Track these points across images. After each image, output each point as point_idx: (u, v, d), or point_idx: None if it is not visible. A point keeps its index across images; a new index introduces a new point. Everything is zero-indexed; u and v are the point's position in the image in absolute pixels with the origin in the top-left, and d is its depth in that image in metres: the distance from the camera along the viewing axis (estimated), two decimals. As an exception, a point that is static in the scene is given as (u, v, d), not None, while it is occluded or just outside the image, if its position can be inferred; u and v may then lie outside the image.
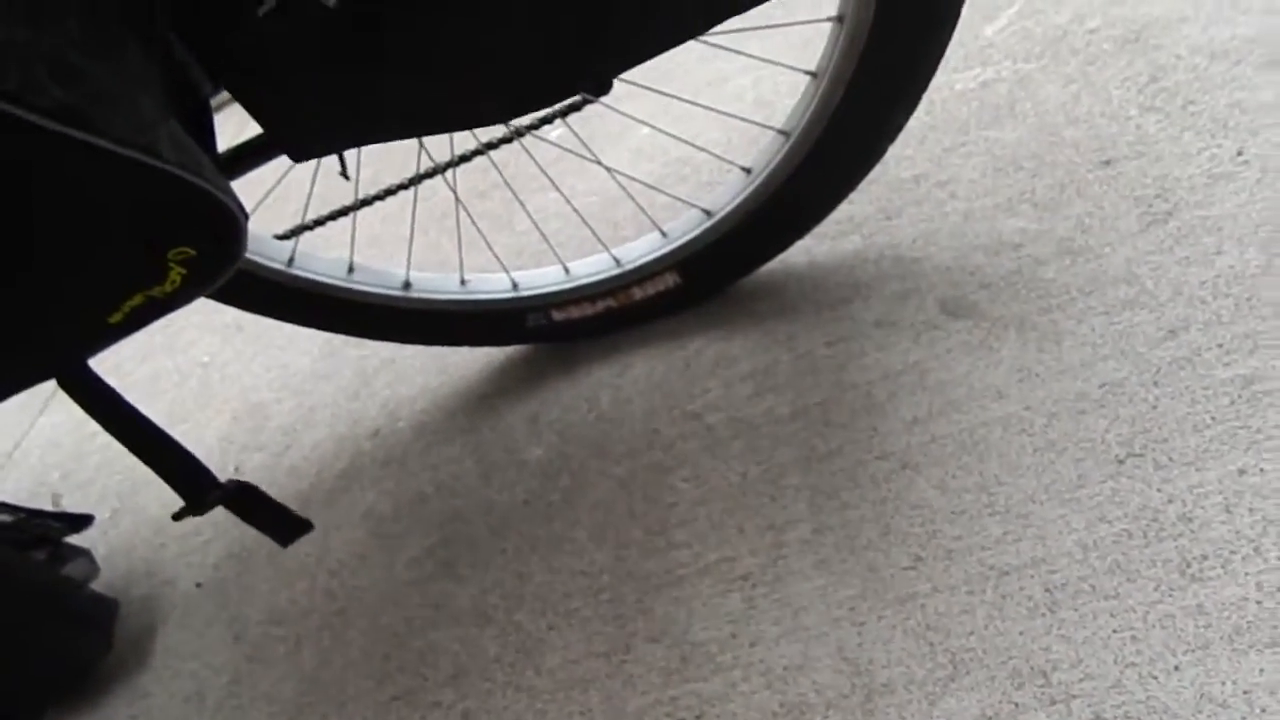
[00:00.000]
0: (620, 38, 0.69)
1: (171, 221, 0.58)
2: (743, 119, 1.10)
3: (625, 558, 0.87)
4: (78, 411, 0.97)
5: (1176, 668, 0.61)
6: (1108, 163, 0.94)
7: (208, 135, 0.67)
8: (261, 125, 0.70)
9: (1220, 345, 0.75)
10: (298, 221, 1.04)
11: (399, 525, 1.03)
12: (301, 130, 0.70)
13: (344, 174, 0.92)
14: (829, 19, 0.80)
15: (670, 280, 1.02)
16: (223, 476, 1.23)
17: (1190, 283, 0.81)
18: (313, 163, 1.04)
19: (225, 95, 0.68)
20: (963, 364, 0.85)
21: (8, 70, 0.47)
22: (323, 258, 1.02)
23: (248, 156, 0.81)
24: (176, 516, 0.81)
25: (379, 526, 1.04)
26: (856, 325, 0.93)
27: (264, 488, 1.18)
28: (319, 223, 1.07)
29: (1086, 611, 0.66)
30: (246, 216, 0.62)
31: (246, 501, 0.82)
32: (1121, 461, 0.72)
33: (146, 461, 0.78)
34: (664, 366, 1.02)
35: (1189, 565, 0.65)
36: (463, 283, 1.07)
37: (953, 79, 1.13)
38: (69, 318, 0.62)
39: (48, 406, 1.64)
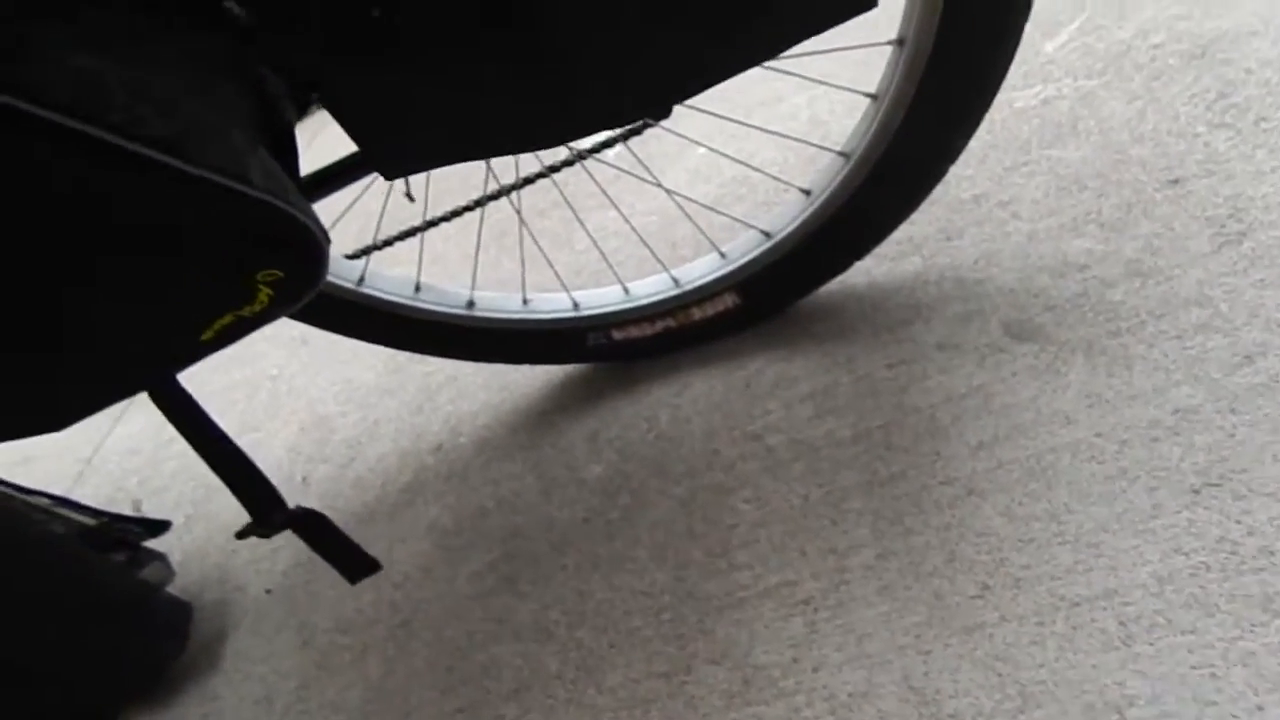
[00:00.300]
0: (690, 65, 0.68)
1: (261, 245, 0.59)
2: (803, 141, 1.08)
3: (685, 578, 0.86)
4: (155, 418, 0.99)
5: (1260, 708, 0.58)
6: (1176, 181, 0.91)
7: (292, 160, 0.69)
8: (357, 142, 0.70)
9: (1301, 372, 0.72)
10: (364, 242, 1.05)
11: (461, 539, 1.03)
12: (397, 148, 0.71)
13: (409, 195, 0.93)
14: (889, 42, 0.78)
15: (729, 301, 1.01)
16: (290, 486, 1.25)
17: (1267, 306, 0.77)
18: (381, 187, 1.05)
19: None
20: (1029, 388, 0.82)
21: (112, 104, 0.48)
22: (391, 276, 1.03)
23: (331, 179, 0.82)
24: (241, 535, 0.82)
25: (442, 540, 1.04)
26: (918, 347, 0.91)
27: (330, 499, 1.19)
28: (388, 243, 1.08)
29: (1163, 646, 0.63)
30: (329, 239, 0.63)
31: (315, 530, 0.82)
32: (1197, 491, 0.69)
33: (221, 476, 0.79)
34: (723, 387, 1.00)
35: (1271, 600, 0.62)
36: (525, 302, 1.07)
37: (1013, 97, 1.10)
38: (165, 335, 0.63)
39: (125, 414, 1.68)
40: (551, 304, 1.07)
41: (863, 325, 0.97)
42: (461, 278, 1.37)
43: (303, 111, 0.67)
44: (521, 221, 1.16)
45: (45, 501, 1.13)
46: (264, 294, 0.62)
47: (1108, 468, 0.74)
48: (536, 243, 1.15)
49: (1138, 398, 0.77)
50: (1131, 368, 0.79)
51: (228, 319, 0.63)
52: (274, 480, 0.80)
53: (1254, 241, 0.82)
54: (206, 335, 0.64)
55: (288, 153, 0.67)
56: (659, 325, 1.05)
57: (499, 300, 1.06)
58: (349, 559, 0.85)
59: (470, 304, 1.05)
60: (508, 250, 1.38)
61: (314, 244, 0.61)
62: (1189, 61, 1.01)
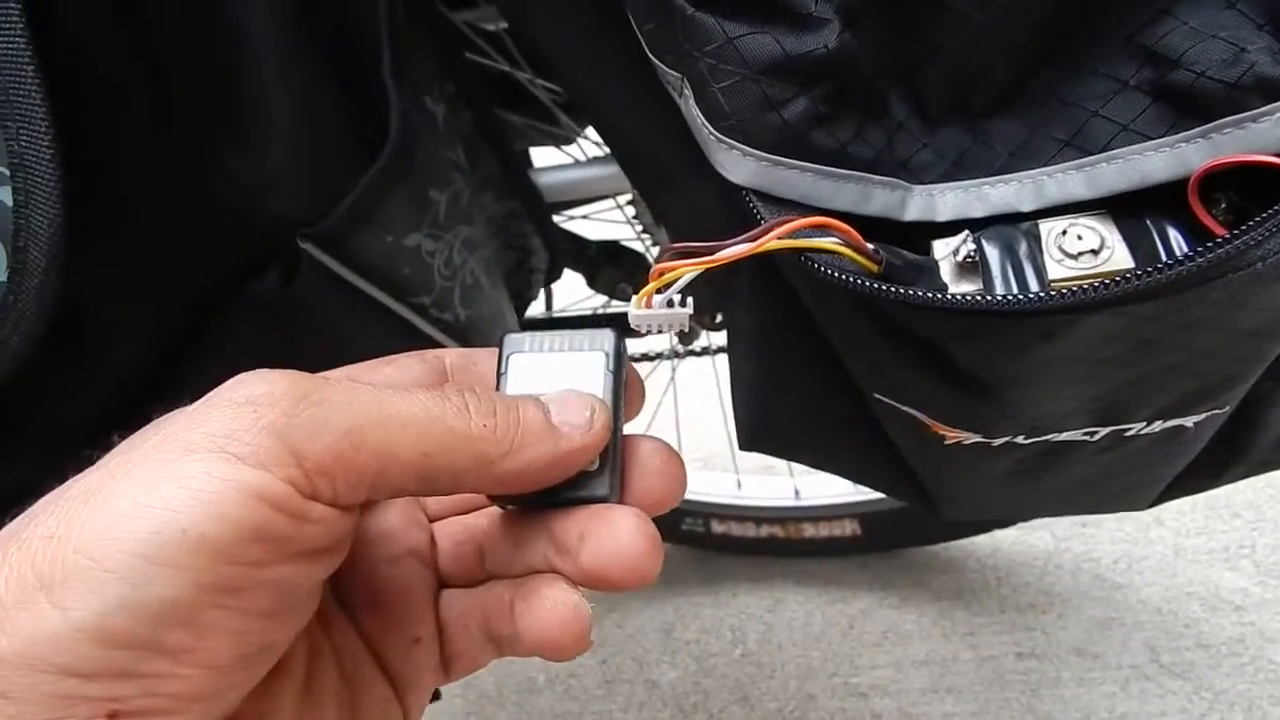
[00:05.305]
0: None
1: None
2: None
3: None
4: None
5: None
6: (1335, 540, 0.86)
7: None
8: None
9: None
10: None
11: (504, 713, 0.90)
12: None
13: None
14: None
15: (849, 528, 0.92)
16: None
17: None
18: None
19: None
20: (1183, 738, 0.74)
21: (429, 287, 0.40)
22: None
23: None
24: None
25: (480, 707, 0.91)
26: (1050, 644, 0.83)
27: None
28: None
29: None
30: None
31: None
32: None
33: None
34: (822, 619, 0.90)
35: None
36: (630, 467, 0.97)
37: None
38: None
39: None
40: (657, 476, 0.97)
41: (985, 595, 0.89)
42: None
43: (546, 283, 0.59)
44: (675, 392, 1.02)
45: None
46: None
47: None
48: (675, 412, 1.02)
49: (1311, 791, 0.69)
50: (1302, 751, 0.71)
51: None
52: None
53: None
54: None
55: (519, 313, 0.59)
56: (764, 530, 0.95)
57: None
58: None
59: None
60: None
61: None
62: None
